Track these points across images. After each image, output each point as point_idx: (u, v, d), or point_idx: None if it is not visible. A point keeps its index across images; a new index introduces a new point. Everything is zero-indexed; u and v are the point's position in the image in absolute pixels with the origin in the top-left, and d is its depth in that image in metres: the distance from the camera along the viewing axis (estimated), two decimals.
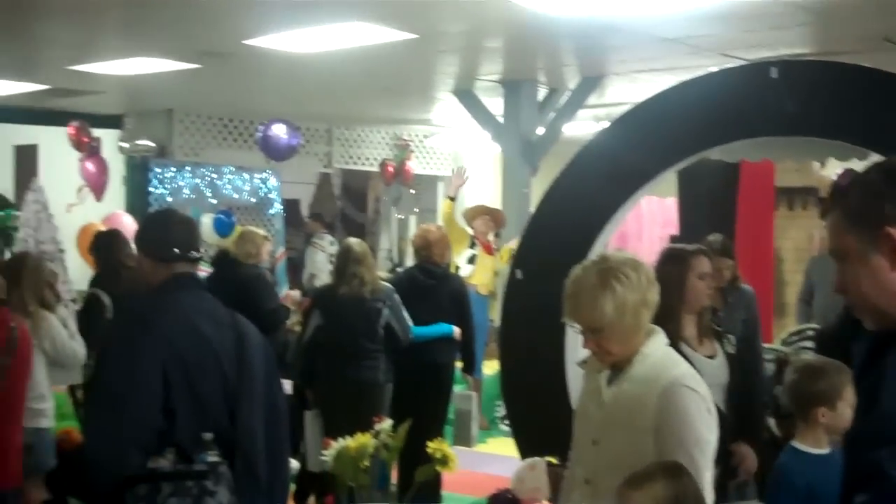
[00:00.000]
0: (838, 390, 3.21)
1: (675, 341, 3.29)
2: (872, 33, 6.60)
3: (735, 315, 5.03)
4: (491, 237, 9.23)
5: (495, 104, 9.22)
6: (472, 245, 9.09)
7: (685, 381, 2.67)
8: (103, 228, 7.88)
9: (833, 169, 8.97)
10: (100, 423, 2.93)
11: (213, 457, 2.91)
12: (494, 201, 10.27)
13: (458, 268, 8.61)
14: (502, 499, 3.56)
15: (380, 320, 6.00)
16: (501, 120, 9.20)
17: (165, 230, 3.18)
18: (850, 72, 4.90)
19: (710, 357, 4.04)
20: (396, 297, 6.10)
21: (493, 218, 9.16)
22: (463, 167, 9.62)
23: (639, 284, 2.70)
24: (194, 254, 3.16)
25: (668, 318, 3.26)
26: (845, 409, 3.19)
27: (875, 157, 5.22)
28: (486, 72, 8.46)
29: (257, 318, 3.52)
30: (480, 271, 8.98)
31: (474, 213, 9.26)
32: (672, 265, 3.99)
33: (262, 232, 7.20)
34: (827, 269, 6.94)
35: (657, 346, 2.77)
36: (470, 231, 9.11)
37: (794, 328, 6.72)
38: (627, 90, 9.07)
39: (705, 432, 2.63)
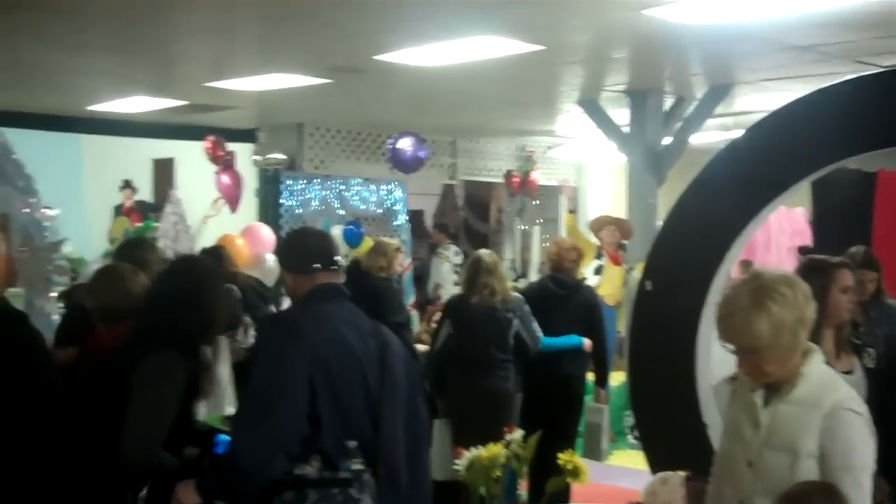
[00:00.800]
0: None
1: None
2: None
3: (877, 330, 4.88)
4: (617, 247, 9.19)
5: (621, 114, 9.17)
6: (599, 256, 9.06)
7: (849, 405, 2.63)
8: (240, 240, 8.13)
9: None
10: (248, 428, 3.00)
11: (357, 464, 2.97)
12: (618, 212, 10.21)
13: (584, 279, 8.59)
14: None
15: (510, 330, 6.05)
16: (627, 130, 9.14)
17: (304, 245, 3.31)
18: None
19: (848, 373, 3.93)
20: (526, 307, 6.14)
21: (620, 228, 9.12)
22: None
23: (795, 303, 2.64)
24: (335, 264, 3.26)
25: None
26: None
27: None
28: (611, 82, 8.42)
29: None
30: (607, 282, 8.94)
31: (600, 224, 9.24)
32: (814, 277, 3.88)
33: (395, 242, 7.31)
34: None
35: (816, 365, 2.71)
36: (596, 242, 9.08)
37: None
38: (756, 99, 8.91)
39: (870, 457, 2.59)
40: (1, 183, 5.77)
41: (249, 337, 5.78)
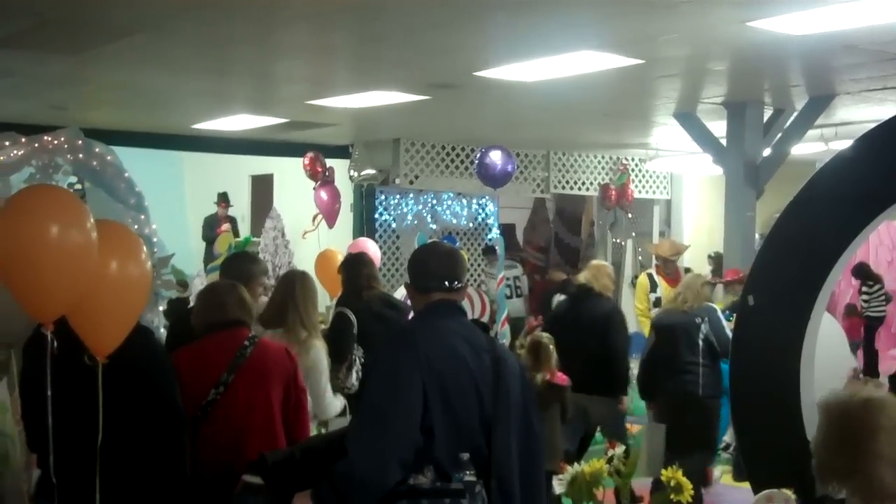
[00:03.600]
0: None
1: None
2: None
3: None
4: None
5: (718, 127, 9.09)
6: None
7: None
8: (341, 254, 8.26)
9: None
10: (364, 437, 3.05)
11: (469, 476, 3.02)
12: (712, 224, 10.11)
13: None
14: None
15: (699, 335, 6.65)
16: (724, 142, 9.06)
17: (425, 263, 3.38)
18: None
19: None
20: (717, 313, 6.82)
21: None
22: None
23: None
24: (454, 284, 3.32)
25: None
26: None
27: None
28: (709, 94, 8.36)
29: None
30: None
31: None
32: None
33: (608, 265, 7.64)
34: None
35: None
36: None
37: None
38: (857, 110, 8.75)
39: None
40: (114, 200, 5.96)
41: (353, 376, 5.53)
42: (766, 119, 8.91)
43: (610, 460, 6.06)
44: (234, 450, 3.92)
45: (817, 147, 9.60)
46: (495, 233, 12.58)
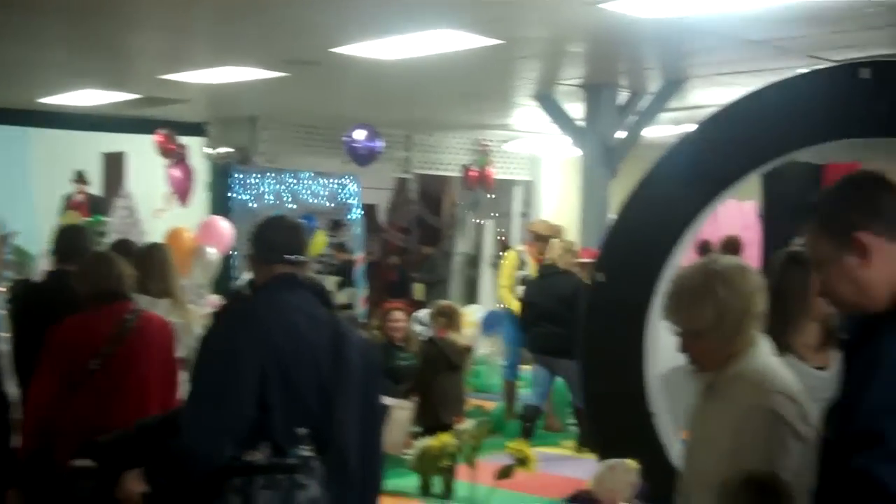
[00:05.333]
0: None
1: (785, 351, 3.08)
2: None
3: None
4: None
5: (576, 109, 9.22)
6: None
7: (772, 404, 2.46)
8: (192, 233, 8.06)
9: None
10: (197, 412, 3.04)
11: (306, 451, 3.00)
12: (575, 206, 10.26)
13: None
14: (581, 500, 3.57)
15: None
16: (582, 124, 9.20)
17: (268, 235, 3.33)
18: None
19: (821, 368, 3.54)
20: None
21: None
22: None
23: (744, 292, 2.57)
24: (297, 257, 3.27)
25: (784, 326, 3.18)
26: None
27: None
28: (567, 76, 8.47)
29: None
30: None
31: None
32: (796, 269, 3.58)
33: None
34: None
35: (754, 359, 2.57)
36: None
37: None
38: (710, 93, 9.00)
39: (786, 461, 2.40)
40: None
41: None
42: (622, 102, 9.10)
43: (459, 436, 6.15)
44: (109, 419, 3.90)
45: (672, 130, 9.84)
46: (356, 213, 12.50)
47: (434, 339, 7.76)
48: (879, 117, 4.82)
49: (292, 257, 3.26)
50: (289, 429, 3.02)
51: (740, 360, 2.57)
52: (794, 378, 2.61)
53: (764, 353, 2.61)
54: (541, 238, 8.97)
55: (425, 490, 6.38)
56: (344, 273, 12.13)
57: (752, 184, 8.90)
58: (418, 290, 13.98)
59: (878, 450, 1.86)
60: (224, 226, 8.72)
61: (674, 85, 8.59)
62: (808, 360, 3.49)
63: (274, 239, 3.29)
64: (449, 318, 7.78)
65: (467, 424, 6.31)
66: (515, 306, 8.85)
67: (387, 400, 4.15)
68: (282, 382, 3.05)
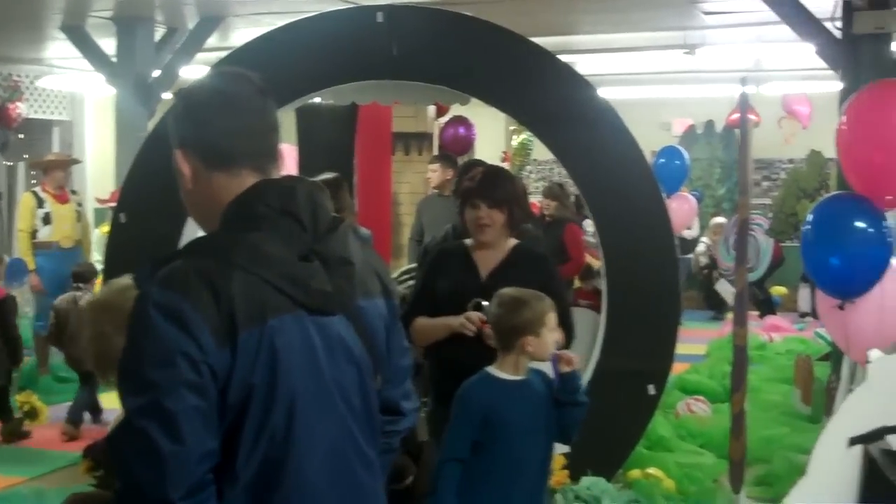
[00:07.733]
0: (541, 318, 3.22)
1: None
2: None
3: None
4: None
5: (109, 44, 8.75)
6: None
7: None
8: None
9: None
10: None
11: None
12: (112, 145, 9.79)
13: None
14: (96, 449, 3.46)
15: None
16: (115, 60, 8.77)
17: None
18: (455, 21, 5.11)
19: None
20: None
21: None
22: None
23: None
24: None
25: None
26: (548, 335, 3.23)
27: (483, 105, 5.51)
28: (98, 7, 7.99)
29: None
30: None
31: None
32: None
33: None
34: (436, 208, 7.27)
35: None
36: None
37: (405, 267, 6.97)
38: (251, 33, 8.91)
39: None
40: None
41: None
42: (158, 38, 8.79)
43: None
44: None
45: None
46: None
47: None
48: (392, 60, 5.03)
49: None
50: None
51: None
52: None
53: None
54: (51, 175, 8.65)
55: None
56: None
57: (290, 126, 9.02)
58: None
59: None
60: None
61: (211, 22, 8.44)
62: None
63: None
64: None
65: None
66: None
67: None
68: None
